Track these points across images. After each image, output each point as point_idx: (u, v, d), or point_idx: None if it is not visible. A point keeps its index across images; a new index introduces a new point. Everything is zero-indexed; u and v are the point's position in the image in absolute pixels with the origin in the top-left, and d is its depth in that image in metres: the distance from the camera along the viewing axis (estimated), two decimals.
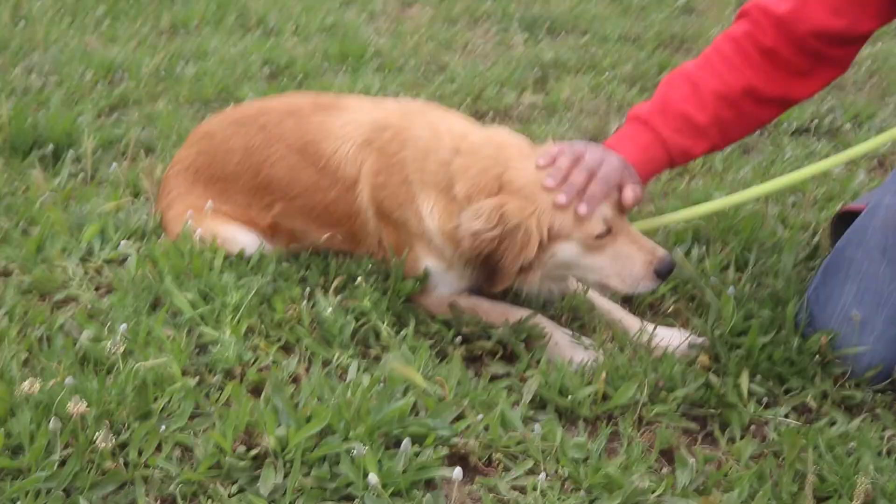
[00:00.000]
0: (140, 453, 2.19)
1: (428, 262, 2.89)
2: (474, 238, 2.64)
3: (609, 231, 2.66)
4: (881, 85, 5.55)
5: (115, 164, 3.82)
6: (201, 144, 3.22)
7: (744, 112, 2.88)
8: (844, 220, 3.07)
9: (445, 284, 2.92)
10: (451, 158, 2.77)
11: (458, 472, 2.10)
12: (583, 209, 2.62)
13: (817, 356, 2.68)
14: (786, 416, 2.54)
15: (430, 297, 2.90)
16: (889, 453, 2.38)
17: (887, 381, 2.69)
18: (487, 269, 2.69)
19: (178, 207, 3.15)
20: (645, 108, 2.88)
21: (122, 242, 3.12)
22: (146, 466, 2.17)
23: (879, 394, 2.67)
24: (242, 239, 3.06)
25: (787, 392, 2.63)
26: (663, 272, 2.70)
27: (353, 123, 2.96)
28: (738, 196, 2.99)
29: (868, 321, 2.70)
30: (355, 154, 2.92)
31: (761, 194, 3.03)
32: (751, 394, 2.58)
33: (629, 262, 2.69)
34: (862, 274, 2.77)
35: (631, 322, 2.86)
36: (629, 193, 2.67)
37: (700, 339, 2.77)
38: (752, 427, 2.51)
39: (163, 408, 2.33)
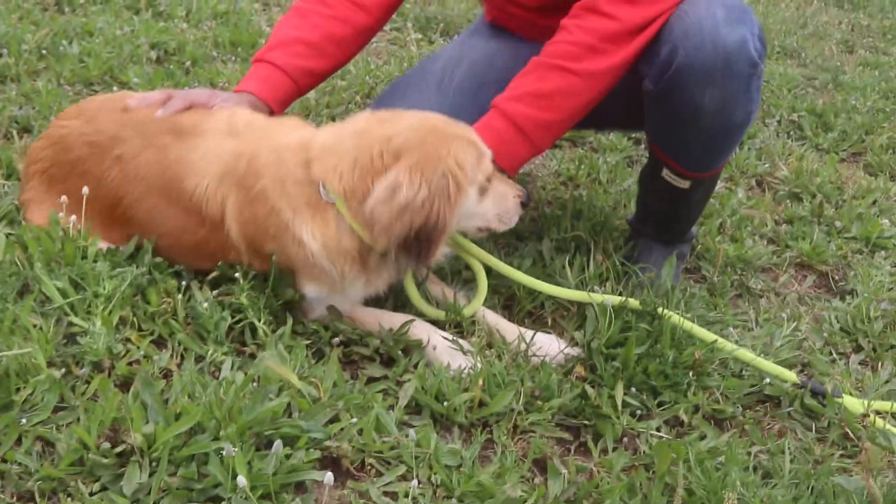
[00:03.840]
0: None
1: (309, 288, 2.77)
2: (401, 214, 2.51)
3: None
4: (762, 107, 5.68)
5: None
6: (56, 153, 2.97)
7: (351, 22, 3.20)
8: None
9: (326, 305, 2.81)
10: (305, 173, 2.64)
11: (328, 476, 2.06)
12: (160, 112, 2.84)
13: (691, 370, 2.73)
14: (658, 429, 2.57)
15: (309, 311, 2.83)
16: (755, 469, 2.42)
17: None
18: (418, 245, 2.57)
19: (36, 211, 2.97)
20: (260, 51, 3.16)
21: None
22: (4, 461, 2.08)
23: (748, 410, 2.73)
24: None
25: (660, 405, 2.67)
26: (526, 202, 2.87)
27: (209, 155, 2.75)
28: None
29: None
30: (215, 190, 2.72)
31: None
32: (625, 405, 2.61)
33: (504, 200, 2.81)
34: (414, 103, 3.08)
35: (509, 329, 2.85)
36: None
37: (577, 350, 2.79)
38: (625, 439, 2.54)
39: (25, 399, 2.24)
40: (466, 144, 2.64)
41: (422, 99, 3.20)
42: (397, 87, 3.37)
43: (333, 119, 4.45)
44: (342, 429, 2.29)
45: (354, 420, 2.32)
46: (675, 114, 2.96)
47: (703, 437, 2.54)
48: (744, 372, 2.85)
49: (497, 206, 2.78)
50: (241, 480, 2.01)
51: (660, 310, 2.84)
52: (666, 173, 3.16)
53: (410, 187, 2.51)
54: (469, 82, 3.30)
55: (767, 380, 2.78)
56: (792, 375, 2.79)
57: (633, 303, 2.87)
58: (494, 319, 2.88)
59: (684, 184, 3.16)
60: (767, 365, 2.81)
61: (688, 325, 2.83)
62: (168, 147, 2.80)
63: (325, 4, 3.17)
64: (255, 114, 2.91)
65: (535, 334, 2.80)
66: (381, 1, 3.24)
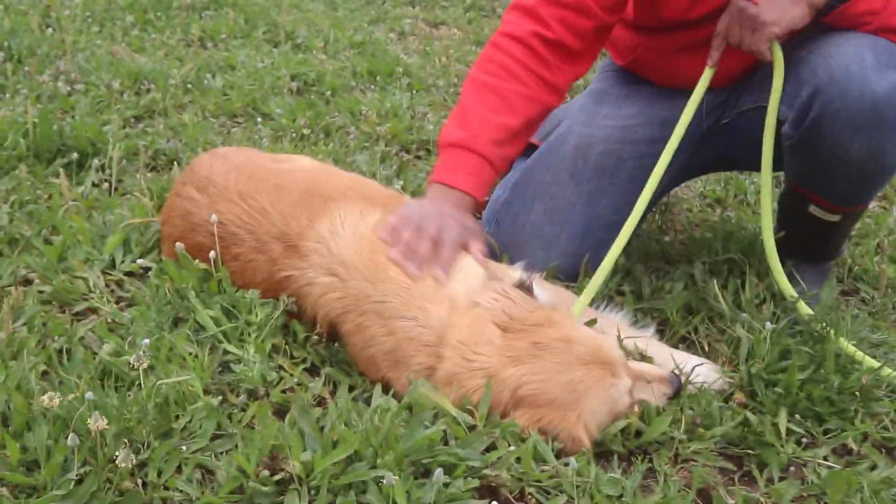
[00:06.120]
0: (160, 474, 2.11)
1: None
2: None
3: None
4: None
5: (139, 175, 3.75)
6: (184, 229, 2.89)
7: (544, 103, 3.01)
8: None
9: None
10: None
11: None
12: (441, 277, 2.51)
13: (858, 396, 2.60)
14: (825, 458, 2.45)
15: None
16: None
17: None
18: None
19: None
20: (459, 133, 2.91)
21: (143, 258, 3.04)
22: (165, 488, 2.09)
23: None
24: None
25: (826, 433, 2.55)
26: (674, 396, 2.56)
27: None
28: None
29: (555, 238, 3.05)
30: None
31: None
32: (789, 433, 2.50)
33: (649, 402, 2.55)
34: (550, 195, 3.18)
35: (660, 352, 2.75)
36: (476, 251, 2.66)
37: (734, 378, 2.69)
38: (791, 468, 2.43)
39: (184, 427, 2.25)
40: (601, 401, 2.37)
41: (559, 191, 3.19)
42: (532, 174, 3.28)
43: None
44: (500, 457, 2.23)
45: (512, 448, 2.25)
46: (820, 159, 2.86)
47: (874, 467, 2.41)
48: None
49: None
50: None
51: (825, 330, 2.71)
52: (813, 209, 3.05)
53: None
54: (605, 161, 3.21)
55: None
56: None
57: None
58: (644, 343, 2.80)
59: (834, 217, 3.05)
60: None
61: (852, 349, 2.70)
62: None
63: (521, 82, 2.94)
64: None
65: (689, 359, 2.71)
66: (570, 79, 3.06)
